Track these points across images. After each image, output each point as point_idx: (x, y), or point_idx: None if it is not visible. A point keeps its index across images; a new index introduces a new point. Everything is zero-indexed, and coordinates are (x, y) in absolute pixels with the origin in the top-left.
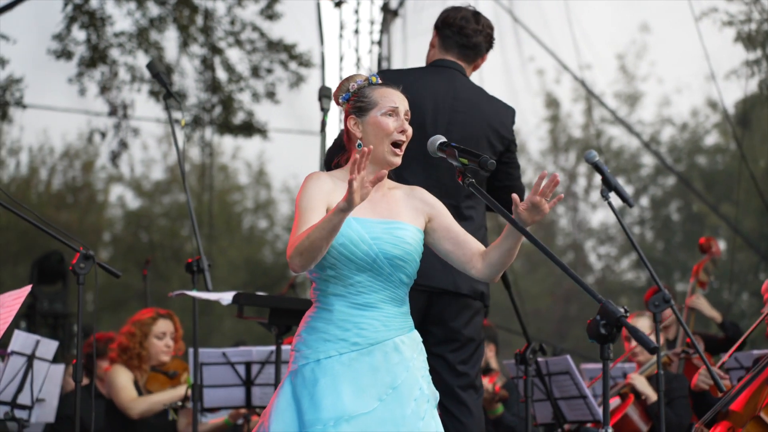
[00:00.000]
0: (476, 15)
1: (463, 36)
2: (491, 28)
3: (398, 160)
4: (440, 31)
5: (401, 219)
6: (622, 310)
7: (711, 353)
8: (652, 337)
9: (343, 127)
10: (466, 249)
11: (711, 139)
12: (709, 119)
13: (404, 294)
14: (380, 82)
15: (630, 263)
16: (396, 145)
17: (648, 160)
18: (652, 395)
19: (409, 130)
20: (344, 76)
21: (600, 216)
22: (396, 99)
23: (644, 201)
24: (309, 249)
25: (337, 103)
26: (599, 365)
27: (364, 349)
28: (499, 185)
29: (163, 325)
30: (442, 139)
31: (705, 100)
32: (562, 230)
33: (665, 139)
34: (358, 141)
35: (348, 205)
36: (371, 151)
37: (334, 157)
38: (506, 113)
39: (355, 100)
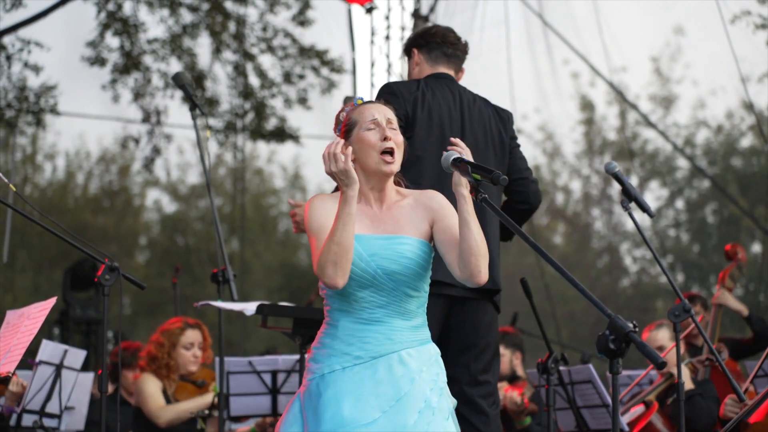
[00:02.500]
0: (449, 28)
1: (448, 44)
2: (466, 42)
3: (392, 167)
4: (423, 46)
5: (404, 233)
6: (630, 325)
7: (738, 358)
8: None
9: None
10: (452, 253)
11: (746, 142)
12: (744, 121)
13: (415, 307)
14: (364, 101)
15: (665, 266)
16: (385, 153)
17: (683, 163)
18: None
19: (397, 137)
20: (375, 82)
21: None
22: (374, 111)
23: (680, 204)
24: (339, 251)
25: (337, 135)
26: (625, 372)
27: (367, 362)
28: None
29: (191, 335)
30: (455, 155)
31: (740, 102)
32: (597, 233)
33: (700, 142)
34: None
35: (353, 188)
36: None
37: None
38: (505, 116)
39: (344, 126)
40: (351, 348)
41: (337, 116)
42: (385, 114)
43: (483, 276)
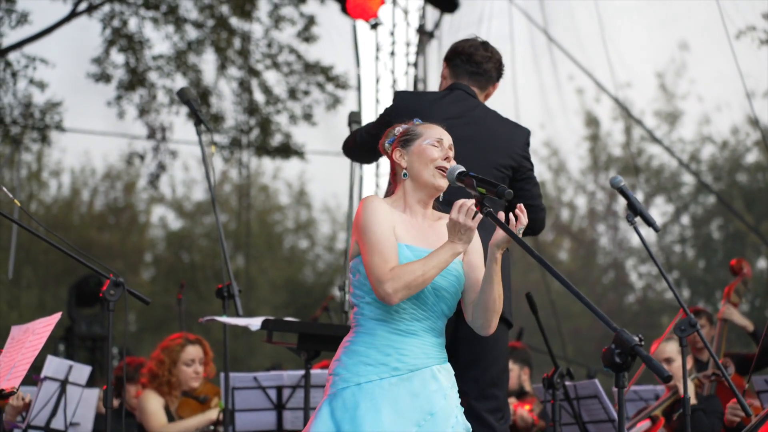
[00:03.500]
0: (484, 44)
1: (473, 63)
2: (500, 55)
3: (444, 183)
4: (450, 61)
5: None
6: (636, 338)
7: (744, 373)
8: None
9: (389, 165)
10: (473, 294)
11: (751, 157)
12: (749, 137)
13: (443, 326)
14: (423, 123)
15: (671, 282)
16: (440, 168)
17: (689, 179)
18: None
19: (454, 163)
20: (380, 98)
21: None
22: (442, 133)
23: (685, 219)
24: (422, 284)
25: (383, 151)
26: (633, 388)
27: (404, 374)
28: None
29: (192, 351)
30: (460, 168)
31: (745, 117)
32: (602, 249)
33: (705, 157)
34: (404, 170)
35: (462, 245)
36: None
37: None
38: (519, 132)
39: (401, 136)
40: (388, 359)
41: (390, 131)
42: (449, 140)
43: (492, 330)
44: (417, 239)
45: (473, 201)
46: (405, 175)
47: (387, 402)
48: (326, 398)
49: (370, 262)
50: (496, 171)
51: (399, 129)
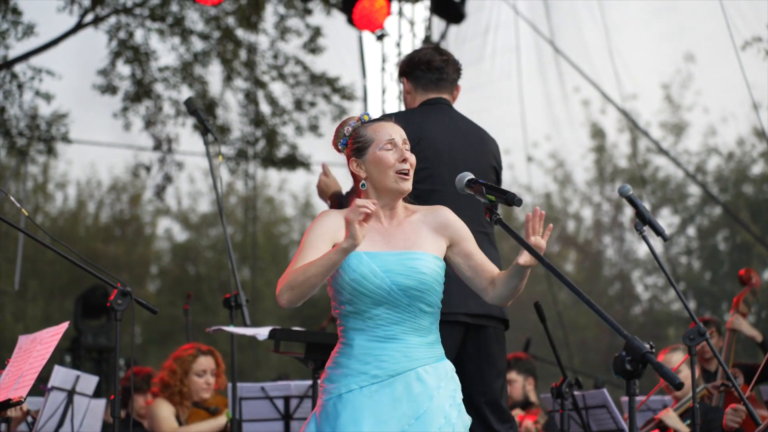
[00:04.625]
0: (437, 48)
1: (434, 70)
2: (454, 57)
3: (408, 185)
4: (410, 75)
5: (417, 248)
6: (647, 345)
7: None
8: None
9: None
10: (485, 275)
11: (758, 169)
12: (755, 148)
13: (429, 323)
14: (372, 119)
15: (679, 290)
16: (401, 173)
17: (695, 190)
18: (684, 430)
19: (412, 158)
20: (387, 109)
21: (647, 247)
22: (391, 131)
23: (691, 231)
24: (302, 284)
25: (338, 150)
26: (640, 398)
27: (384, 381)
28: None
29: (204, 362)
30: (469, 176)
31: (751, 129)
32: (608, 260)
33: (711, 169)
34: (362, 181)
35: (350, 245)
36: (376, 206)
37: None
38: (495, 141)
39: (352, 142)
40: (368, 367)
41: (339, 130)
42: (400, 134)
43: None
44: (378, 244)
45: (370, 201)
46: (363, 185)
47: (367, 410)
48: (313, 412)
49: (289, 266)
50: (492, 177)
51: (348, 128)
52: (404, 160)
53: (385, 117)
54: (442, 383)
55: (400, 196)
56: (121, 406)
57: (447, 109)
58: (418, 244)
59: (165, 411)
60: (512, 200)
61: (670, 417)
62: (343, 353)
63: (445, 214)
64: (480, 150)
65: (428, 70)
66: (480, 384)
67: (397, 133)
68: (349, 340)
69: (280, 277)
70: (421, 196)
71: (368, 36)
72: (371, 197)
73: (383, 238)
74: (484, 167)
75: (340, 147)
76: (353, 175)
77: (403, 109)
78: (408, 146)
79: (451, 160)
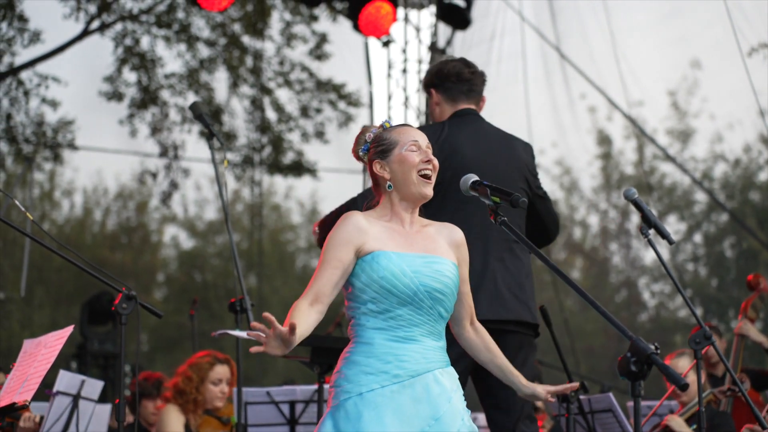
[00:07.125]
0: (463, 60)
1: (464, 81)
2: (481, 69)
3: (430, 190)
4: (439, 86)
5: (438, 253)
6: (652, 347)
7: (760, 389)
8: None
9: (369, 176)
10: (463, 308)
11: (764, 175)
12: (762, 155)
13: (442, 329)
14: (393, 125)
15: (685, 295)
16: (424, 176)
17: (701, 197)
18: None
19: (435, 161)
20: (392, 116)
21: (653, 253)
22: (415, 134)
23: (698, 237)
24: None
25: (357, 158)
26: (647, 403)
27: (405, 381)
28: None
29: (220, 371)
30: (474, 177)
31: (758, 135)
32: (615, 267)
33: (718, 176)
34: (388, 182)
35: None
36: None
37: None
38: (529, 148)
39: (375, 145)
40: (389, 366)
41: (360, 137)
42: (424, 138)
43: None
44: (403, 246)
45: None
46: (390, 186)
47: (390, 410)
48: (329, 410)
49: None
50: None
51: (369, 135)
52: (428, 161)
53: (418, 127)
54: (455, 386)
55: (421, 202)
56: (129, 411)
57: (477, 119)
58: (439, 251)
59: (173, 423)
60: (517, 201)
61: (676, 422)
62: (361, 352)
63: (459, 233)
64: (510, 159)
65: (458, 81)
66: (513, 411)
67: (421, 137)
68: (368, 339)
69: (298, 299)
70: (454, 206)
71: (374, 42)
72: (395, 201)
73: (406, 240)
74: (514, 177)
75: (360, 153)
76: (375, 177)
77: (409, 115)
78: (431, 150)
79: (480, 173)
